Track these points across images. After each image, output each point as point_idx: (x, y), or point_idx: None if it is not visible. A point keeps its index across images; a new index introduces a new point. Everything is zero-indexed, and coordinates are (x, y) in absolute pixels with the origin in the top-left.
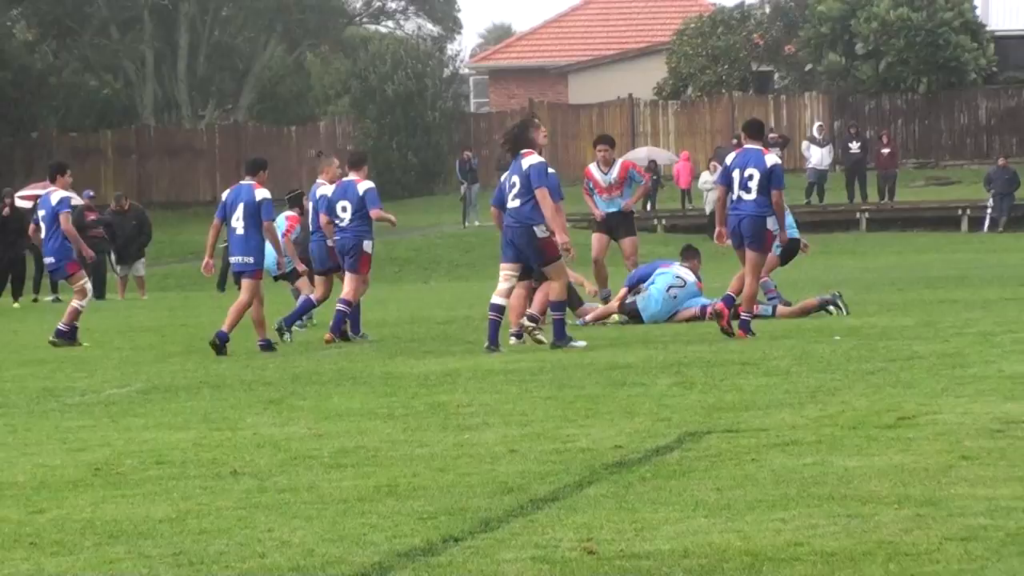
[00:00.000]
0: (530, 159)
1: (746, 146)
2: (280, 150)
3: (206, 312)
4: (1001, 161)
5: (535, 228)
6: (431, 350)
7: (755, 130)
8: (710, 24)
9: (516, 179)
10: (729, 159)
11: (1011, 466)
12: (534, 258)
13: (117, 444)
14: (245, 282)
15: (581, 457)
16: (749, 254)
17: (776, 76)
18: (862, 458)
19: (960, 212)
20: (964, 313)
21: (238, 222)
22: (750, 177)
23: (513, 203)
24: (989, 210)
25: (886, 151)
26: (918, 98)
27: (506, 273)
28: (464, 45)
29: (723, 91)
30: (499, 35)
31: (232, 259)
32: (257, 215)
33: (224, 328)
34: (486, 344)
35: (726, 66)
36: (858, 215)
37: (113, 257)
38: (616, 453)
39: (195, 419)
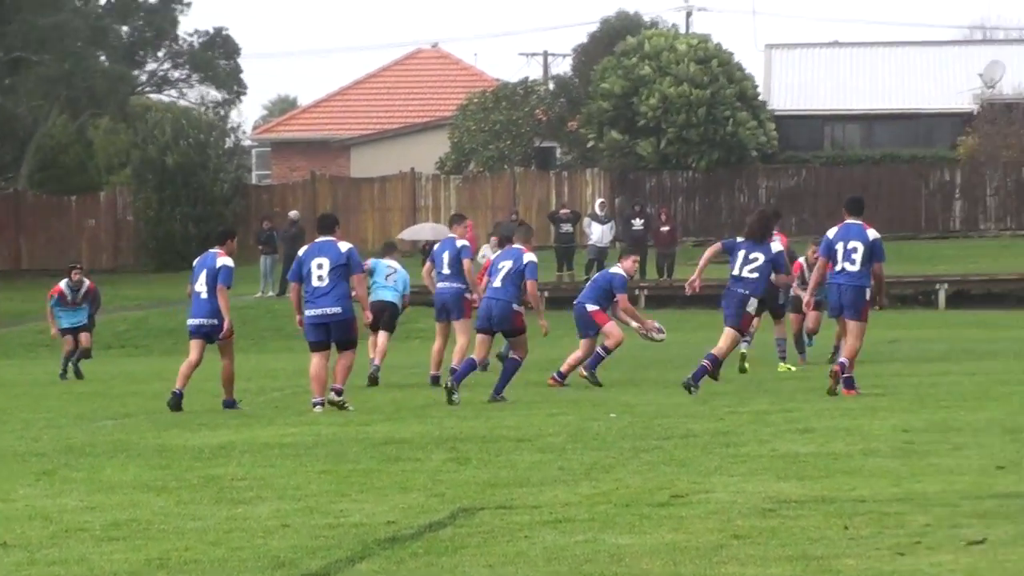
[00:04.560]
0: (779, 246)
1: (848, 221)
2: (60, 220)
3: None
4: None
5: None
6: (206, 423)
7: (855, 207)
8: (493, 99)
9: (760, 256)
10: (832, 233)
11: (782, 545)
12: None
13: None
14: (225, 346)
15: (354, 532)
16: (851, 323)
17: (559, 152)
18: (634, 536)
19: None
20: (739, 392)
21: (202, 287)
22: (854, 250)
23: (752, 275)
24: None
25: (665, 228)
26: (699, 176)
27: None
28: (247, 116)
29: (505, 166)
30: (284, 107)
31: (198, 320)
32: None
33: (228, 397)
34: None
35: (508, 141)
36: (637, 292)
37: None
38: (389, 528)
39: None
